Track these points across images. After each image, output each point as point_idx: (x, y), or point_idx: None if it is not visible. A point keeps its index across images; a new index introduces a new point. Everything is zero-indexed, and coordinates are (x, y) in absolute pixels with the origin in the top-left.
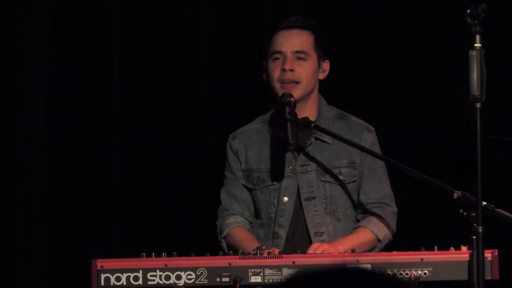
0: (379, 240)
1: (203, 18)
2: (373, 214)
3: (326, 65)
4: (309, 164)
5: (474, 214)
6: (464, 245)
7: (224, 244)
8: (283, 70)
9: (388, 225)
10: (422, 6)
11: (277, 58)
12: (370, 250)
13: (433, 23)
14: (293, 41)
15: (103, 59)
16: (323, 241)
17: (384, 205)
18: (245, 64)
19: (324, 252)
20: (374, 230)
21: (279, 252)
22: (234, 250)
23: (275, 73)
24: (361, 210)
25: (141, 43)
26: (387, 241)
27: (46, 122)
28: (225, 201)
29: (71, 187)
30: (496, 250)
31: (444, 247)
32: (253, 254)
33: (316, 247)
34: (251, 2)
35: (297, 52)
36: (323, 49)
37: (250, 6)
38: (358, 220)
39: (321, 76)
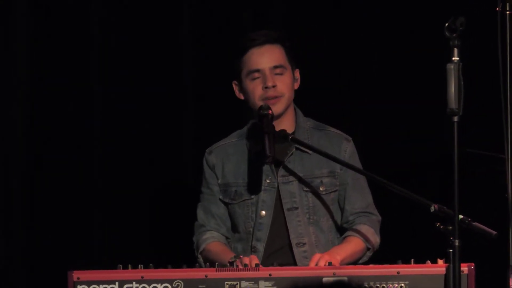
0: (368, 249)
1: (182, 29)
2: (360, 223)
3: (297, 74)
4: (290, 175)
5: (450, 227)
6: (441, 259)
7: (201, 259)
8: (266, 87)
9: (374, 234)
10: (403, 17)
11: (256, 77)
12: (359, 259)
13: (413, 34)
14: (269, 57)
15: (84, 64)
16: (305, 251)
17: (369, 214)
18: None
19: (326, 263)
20: (364, 239)
21: (256, 264)
22: (211, 263)
23: (256, 91)
24: (347, 220)
25: (121, 53)
26: (374, 250)
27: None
28: (201, 217)
29: (48, 197)
30: (473, 264)
31: (420, 261)
32: (230, 264)
33: (318, 259)
34: (231, 15)
35: (275, 67)
36: (293, 59)
37: (231, 19)
38: (343, 229)
39: (296, 85)
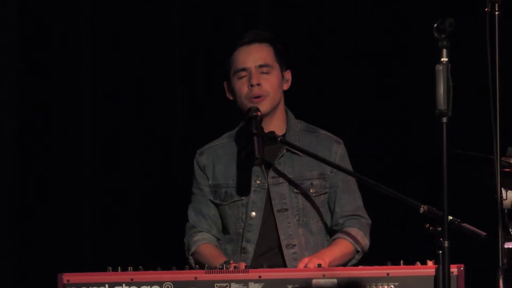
0: (357, 251)
1: (173, 33)
2: (350, 225)
3: (288, 75)
4: (280, 176)
5: (440, 228)
6: (430, 260)
7: (192, 261)
8: (251, 85)
9: (364, 237)
10: (393, 18)
11: (243, 76)
12: (348, 261)
13: (403, 35)
14: (255, 56)
15: (74, 67)
16: (294, 253)
17: (359, 217)
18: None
19: (315, 266)
20: (353, 241)
21: (245, 266)
22: (201, 266)
23: (243, 90)
24: (337, 222)
25: (112, 54)
26: (363, 253)
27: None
28: (192, 218)
29: (38, 199)
30: (462, 265)
31: (410, 262)
32: (220, 269)
33: (307, 262)
34: (222, 18)
35: (261, 66)
36: (283, 59)
37: (223, 23)
38: (333, 231)
39: (285, 86)
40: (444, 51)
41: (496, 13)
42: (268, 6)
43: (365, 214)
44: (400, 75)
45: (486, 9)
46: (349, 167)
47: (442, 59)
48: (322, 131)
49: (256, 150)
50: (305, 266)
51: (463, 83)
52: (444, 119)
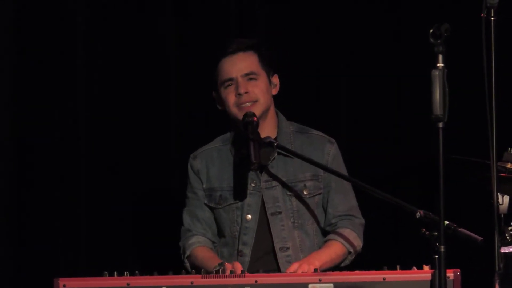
0: (349, 252)
1: (169, 39)
2: (342, 226)
3: (275, 80)
4: (273, 179)
5: (436, 233)
6: (427, 265)
7: (187, 264)
8: (239, 94)
9: (357, 237)
10: (388, 22)
11: (229, 85)
12: (341, 263)
13: (398, 39)
14: (240, 65)
15: (68, 73)
16: (288, 256)
17: (352, 217)
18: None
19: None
20: (345, 242)
21: (242, 270)
22: (197, 269)
23: (231, 99)
24: (330, 223)
25: (107, 58)
26: (356, 253)
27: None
28: (187, 222)
29: (34, 205)
30: (458, 270)
31: (406, 267)
32: (216, 272)
33: (296, 269)
34: (218, 25)
35: (247, 74)
36: (269, 64)
37: (217, 29)
38: (326, 232)
39: (274, 91)
40: (440, 56)
41: (492, 18)
42: (260, 9)
43: (359, 214)
44: (397, 78)
45: (482, 15)
46: (342, 166)
47: (438, 64)
48: (315, 132)
49: (252, 155)
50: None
51: (459, 88)
52: (440, 124)
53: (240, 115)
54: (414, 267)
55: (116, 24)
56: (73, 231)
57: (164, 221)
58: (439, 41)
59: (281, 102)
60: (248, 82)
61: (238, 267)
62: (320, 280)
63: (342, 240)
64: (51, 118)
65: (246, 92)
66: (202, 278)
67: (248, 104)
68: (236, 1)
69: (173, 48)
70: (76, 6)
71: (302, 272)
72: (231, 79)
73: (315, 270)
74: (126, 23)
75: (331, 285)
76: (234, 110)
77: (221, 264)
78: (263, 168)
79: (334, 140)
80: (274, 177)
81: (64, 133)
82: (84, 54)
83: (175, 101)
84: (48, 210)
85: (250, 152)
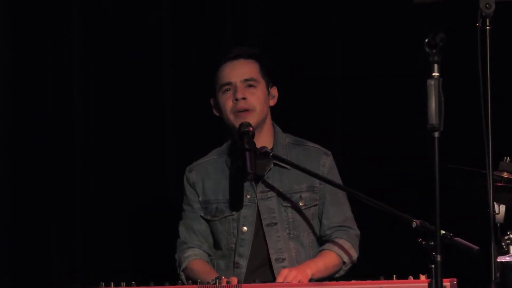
0: (344, 263)
1: (165, 45)
2: (337, 237)
3: (274, 91)
4: (269, 191)
5: (432, 243)
6: (423, 274)
7: (183, 277)
8: (236, 99)
9: (352, 248)
10: (384, 32)
11: (228, 90)
12: (335, 273)
13: (393, 48)
14: (241, 70)
15: (64, 80)
16: (284, 267)
17: (347, 228)
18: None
19: (294, 278)
20: (339, 252)
21: (238, 281)
22: (193, 281)
23: (228, 104)
24: (325, 234)
25: (108, 62)
26: (351, 264)
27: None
28: (183, 235)
29: (30, 214)
30: (455, 279)
31: (403, 276)
32: (213, 284)
33: (285, 275)
34: (214, 34)
35: (246, 80)
36: (269, 75)
37: (214, 37)
38: (322, 243)
39: (271, 102)
40: (435, 66)
41: (487, 28)
42: (259, 18)
43: (354, 225)
44: (393, 88)
45: (478, 24)
46: (337, 178)
47: (433, 74)
48: (311, 144)
49: (248, 165)
50: (284, 279)
51: (455, 97)
52: (436, 134)
53: (236, 123)
54: (411, 277)
55: (116, 24)
56: (69, 241)
57: (161, 231)
58: (434, 50)
59: (276, 113)
60: (246, 89)
61: (234, 281)
62: None
63: (336, 250)
64: (47, 126)
65: (243, 98)
66: None
67: (244, 111)
68: (231, 11)
69: (171, 48)
70: (73, 7)
71: (293, 279)
72: (229, 84)
73: (311, 280)
74: (126, 23)
75: None
76: (230, 116)
77: (218, 278)
78: (259, 179)
79: (330, 152)
80: (270, 188)
81: (60, 141)
82: (81, 57)
83: (173, 102)
84: (44, 221)
85: (246, 163)
